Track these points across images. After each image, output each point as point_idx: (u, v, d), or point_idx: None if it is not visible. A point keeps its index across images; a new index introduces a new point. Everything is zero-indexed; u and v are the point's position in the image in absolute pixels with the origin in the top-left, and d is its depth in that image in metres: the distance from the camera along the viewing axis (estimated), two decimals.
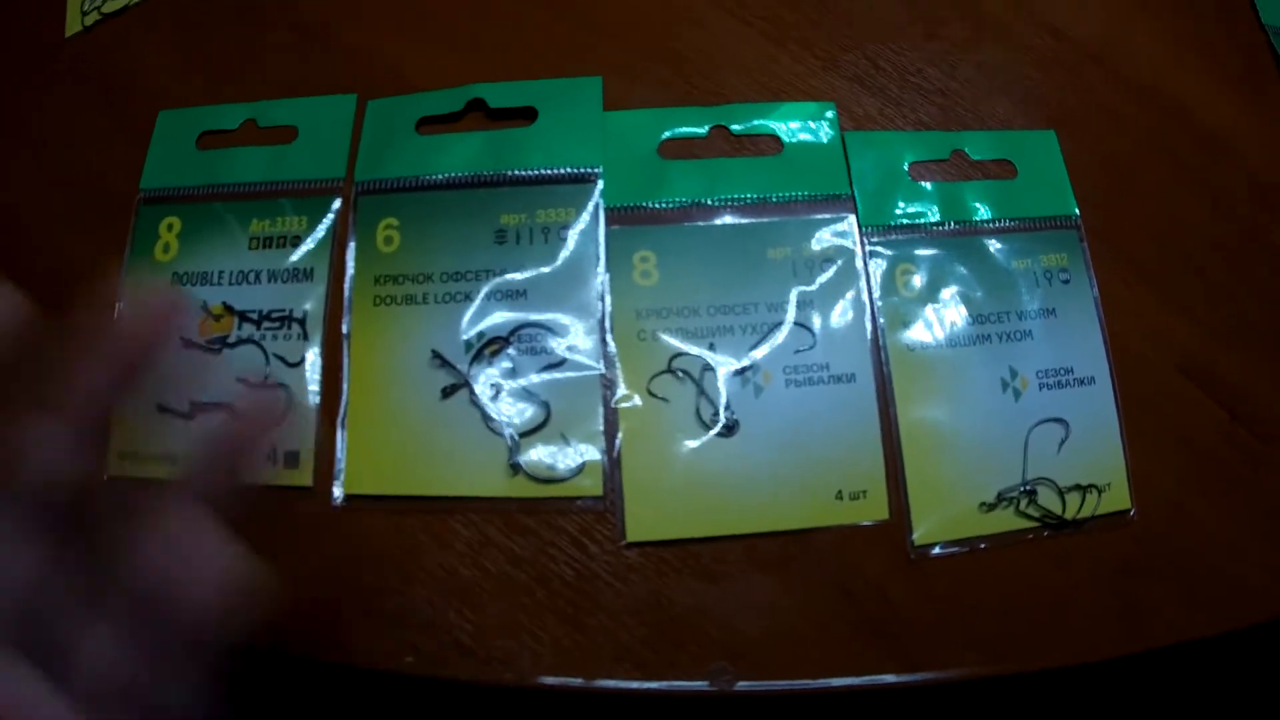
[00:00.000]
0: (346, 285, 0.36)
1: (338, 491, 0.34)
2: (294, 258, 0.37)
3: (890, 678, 0.33)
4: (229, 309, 0.36)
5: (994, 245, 0.37)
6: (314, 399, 0.35)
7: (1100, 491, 0.35)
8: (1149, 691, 0.40)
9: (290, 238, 0.37)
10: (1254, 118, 0.42)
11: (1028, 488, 0.35)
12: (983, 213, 0.38)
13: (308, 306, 0.36)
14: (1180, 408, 0.37)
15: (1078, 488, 0.35)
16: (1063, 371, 0.36)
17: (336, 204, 0.37)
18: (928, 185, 0.38)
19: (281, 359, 0.35)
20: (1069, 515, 0.35)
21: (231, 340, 0.36)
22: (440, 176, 0.37)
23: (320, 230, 0.37)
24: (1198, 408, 0.37)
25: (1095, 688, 0.39)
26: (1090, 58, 0.42)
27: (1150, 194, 0.40)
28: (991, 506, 0.34)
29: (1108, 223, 0.39)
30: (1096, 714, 0.41)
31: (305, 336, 0.36)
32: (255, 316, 0.36)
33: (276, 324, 0.36)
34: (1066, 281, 0.37)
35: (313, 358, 0.35)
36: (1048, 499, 0.35)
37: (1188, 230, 0.39)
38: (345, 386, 0.35)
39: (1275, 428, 0.36)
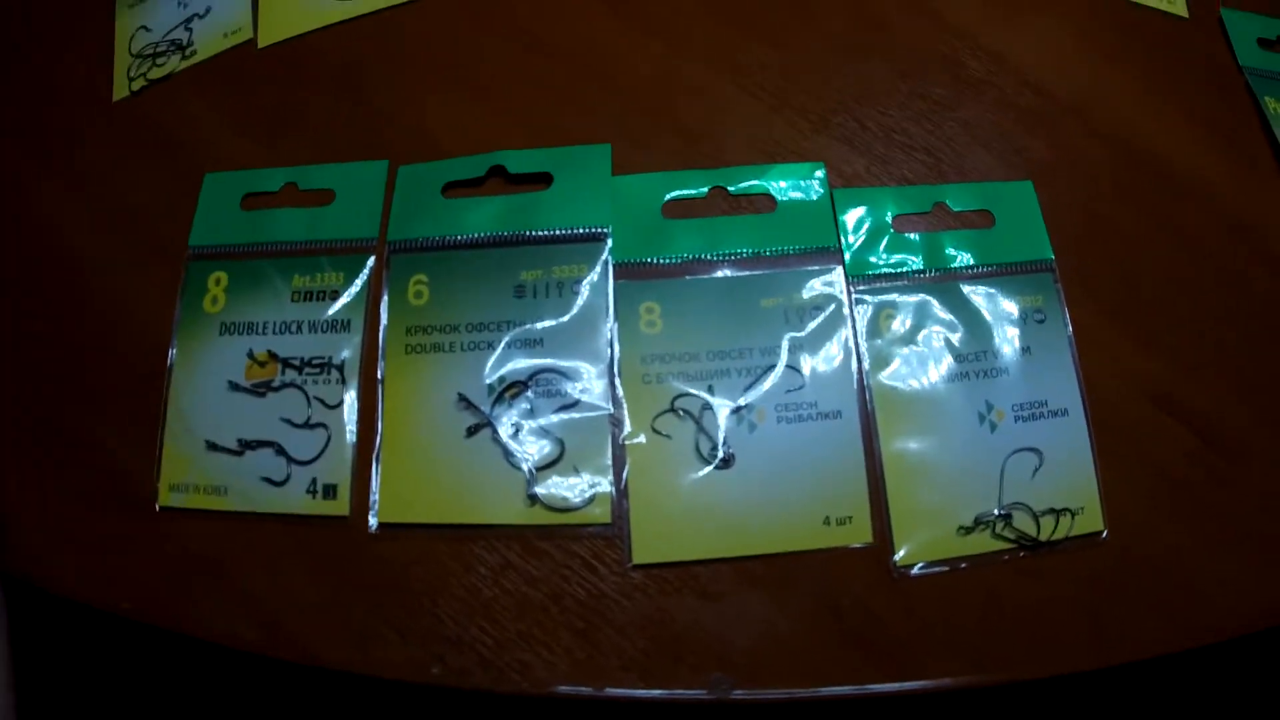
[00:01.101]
0: (381, 335, 0.43)
1: (373, 520, 0.40)
2: (333, 310, 0.43)
3: (877, 686, 0.37)
4: (273, 356, 0.43)
5: (973, 289, 0.43)
6: (351, 438, 0.41)
7: (1074, 515, 0.40)
8: (1126, 700, 0.46)
9: (329, 292, 0.44)
10: (1229, 161, 0.47)
11: (1004, 512, 0.40)
12: (962, 260, 0.44)
13: (345, 354, 0.43)
14: (1151, 435, 0.41)
15: (1051, 511, 0.40)
16: (1037, 404, 0.41)
17: (370, 262, 0.44)
18: (911, 236, 0.44)
19: (321, 401, 0.42)
20: (1043, 537, 0.39)
21: (276, 384, 0.42)
22: (465, 236, 0.44)
23: (356, 285, 0.44)
24: (1168, 434, 0.41)
25: (1074, 696, 0.44)
26: (1069, 111, 0.47)
27: (1124, 238, 0.45)
28: (969, 530, 0.40)
29: (1082, 266, 0.44)
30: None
31: (343, 381, 0.42)
32: (298, 363, 0.43)
33: (317, 370, 0.42)
34: (1041, 321, 0.43)
35: (350, 400, 0.42)
36: (1023, 522, 0.40)
37: (1159, 271, 0.44)
38: (380, 426, 0.41)
39: (1244, 452, 0.41)
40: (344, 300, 0.44)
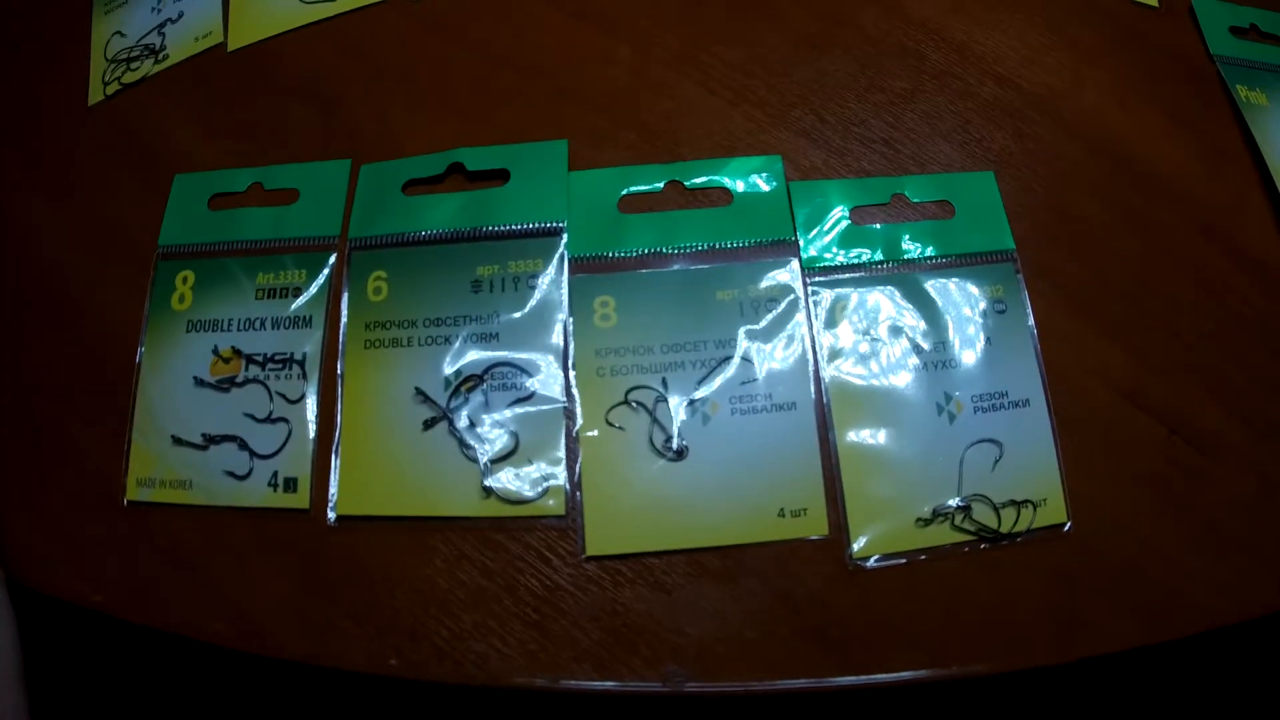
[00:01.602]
0: (341, 331, 0.43)
1: (331, 514, 0.41)
2: (295, 306, 0.44)
3: (834, 680, 0.38)
4: (237, 352, 0.44)
5: (931, 280, 0.43)
6: (312, 432, 0.42)
7: (1035, 506, 0.40)
8: (1091, 694, 0.45)
9: (292, 289, 0.45)
10: (1199, 153, 0.47)
11: (963, 504, 0.40)
12: (921, 251, 0.44)
13: (307, 350, 0.43)
14: (1118, 427, 0.41)
15: (1012, 503, 0.40)
16: (998, 395, 0.41)
17: (332, 259, 0.45)
18: (869, 227, 0.44)
19: (283, 396, 0.43)
20: (1004, 529, 0.40)
21: (239, 380, 0.43)
22: (424, 233, 0.45)
23: (318, 282, 0.45)
24: (1136, 427, 0.41)
25: (1037, 690, 0.44)
26: (1034, 102, 0.48)
27: (1091, 230, 0.45)
28: (927, 522, 0.40)
29: (1047, 258, 0.44)
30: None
31: (304, 376, 0.43)
32: (261, 359, 0.43)
33: (279, 365, 0.43)
34: (1002, 311, 0.43)
35: (311, 395, 0.43)
36: (983, 514, 0.40)
37: (1127, 263, 0.44)
38: (339, 420, 0.42)
39: (1215, 446, 0.41)
40: (306, 297, 0.45)
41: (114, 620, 0.41)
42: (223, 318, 0.45)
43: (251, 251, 0.46)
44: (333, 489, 0.41)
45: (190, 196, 0.48)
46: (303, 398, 0.43)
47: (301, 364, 0.43)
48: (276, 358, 0.44)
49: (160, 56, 0.52)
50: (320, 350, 0.44)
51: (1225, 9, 0.51)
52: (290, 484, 0.42)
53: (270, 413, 0.43)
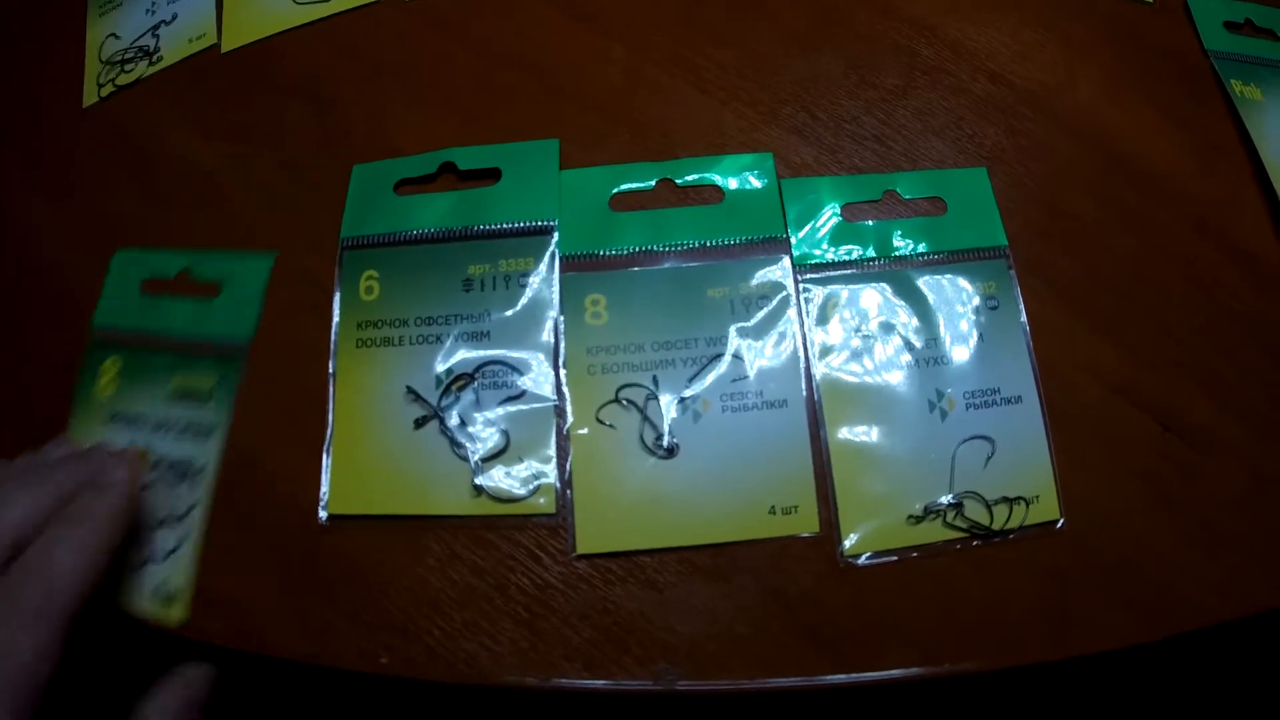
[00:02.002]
0: (333, 330, 0.44)
1: (323, 513, 0.41)
2: (200, 413, 0.43)
3: (825, 678, 0.38)
4: (147, 454, 0.43)
5: (923, 277, 0.43)
6: (193, 549, 0.41)
7: (1028, 503, 0.40)
8: (1085, 692, 0.45)
9: (205, 393, 0.43)
10: (1192, 149, 0.47)
11: (955, 501, 0.40)
12: (913, 247, 0.44)
13: (206, 462, 0.42)
14: (1111, 423, 0.41)
15: (1005, 500, 0.40)
16: (990, 392, 0.41)
17: (240, 366, 0.44)
18: (860, 224, 0.44)
19: (174, 508, 0.42)
20: (997, 526, 0.39)
21: (143, 484, 0.42)
22: (415, 232, 0.45)
23: (226, 390, 0.43)
24: (1129, 423, 0.41)
25: (1030, 688, 0.44)
26: (1027, 98, 0.48)
27: (1084, 226, 0.45)
28: (919, 519, 0.40)
29: (1039, 254, 0.44)
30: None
31: (194, 489, 0.42)
32: (165, 464, 0.42)
33: (179, 476, 0.42)
34: (994, 308, 0.43)
35: (199, 510, 0.41)
36: (975, 511, 0.40)
37: (1120, 259, 0.44)
38: (331, 419, 0.42)
39: (1208, 442, 0.41)
40: (212, 404, 0.43)
41: (111, 620, 0.41)
42: (142, 413, 0.44)
43: (173, 346, 0.45)
44: (324, 488, 0.41)
45: (126, 275, 0.47)
46: (190, 510, 0.42)
47: (199, 475, 0.42)
48: (177, 466, 0.43)
49: (154, 58, 0.52)
50: (217, 461, 0.42)
51: (1220, 4, 0.50)
52: (170, 598, 0.41)
53: (164, 519, 0.42)
